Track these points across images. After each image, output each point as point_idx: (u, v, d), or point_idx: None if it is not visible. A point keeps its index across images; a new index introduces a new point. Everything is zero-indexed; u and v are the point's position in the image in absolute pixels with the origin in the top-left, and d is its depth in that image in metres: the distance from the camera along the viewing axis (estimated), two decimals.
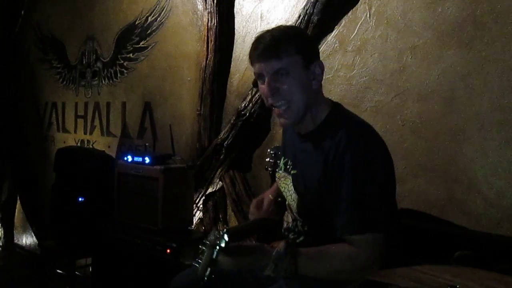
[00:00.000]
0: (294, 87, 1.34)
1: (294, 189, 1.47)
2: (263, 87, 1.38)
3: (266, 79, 1.36)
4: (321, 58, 2.22)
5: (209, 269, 1.19)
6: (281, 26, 1.41)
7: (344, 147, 1.29)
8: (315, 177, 1.36)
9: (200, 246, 1.24)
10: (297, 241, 1.46)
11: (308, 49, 1.40)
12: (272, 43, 1.33)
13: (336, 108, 1.45)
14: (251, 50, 1.39)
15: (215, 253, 1.20)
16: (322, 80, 1.42)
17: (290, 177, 1.50)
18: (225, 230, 1.23)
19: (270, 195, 1.68)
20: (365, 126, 1.41)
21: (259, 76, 1.39)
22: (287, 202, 1.53)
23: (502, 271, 1.32)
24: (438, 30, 1.91)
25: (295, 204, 1.46)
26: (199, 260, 1.22)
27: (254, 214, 1.66)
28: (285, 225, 1.55)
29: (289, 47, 1.33)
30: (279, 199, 1.63)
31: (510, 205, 1.74)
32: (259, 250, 1.30)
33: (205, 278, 1.20)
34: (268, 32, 1.38)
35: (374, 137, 1.38)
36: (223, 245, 1.20)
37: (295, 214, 1.48)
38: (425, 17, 1.95)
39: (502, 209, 1.75)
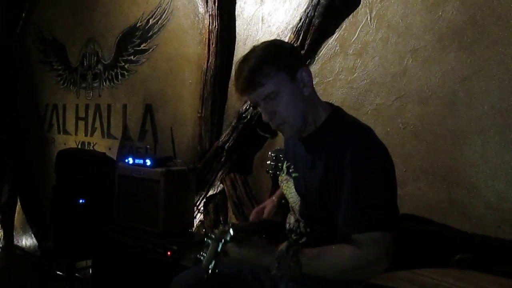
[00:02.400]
0: (288, 105, 1.35)
1: (296, 191, 1.48)
2: (260, 110, 1.40)
3: (261, 106, 1.38)
4: (322, 61, 2.28)
5: (213, 262, 1.20)
6: (256, 48, 1.38)
7: (344, 148, 1.30)
8: (316, 179, 1.37)
9: (205, 239, 1.25)
10: (300, 242, 1.46)
11: (288, 62, 1.37)
12: (250, 75, 1.33)
13: (335, 111, 1.46)
14: (234, 83, 1.40)
15: (220, 246, 1.21)
16: (312, 84, 1.41)
17: (292, 180, 1.51)
18: (230, 225, 1.25)
19: (274, 198, 1.70)
20: (364, 127, 1.41)
21: (253, 104, 1.42)
22: (290, 204, 1.54)
23: (503, 274, 1.32)
24: (439, 34, 1.92)
25: (298, 206, 1.47)
26: (203, 253, 1.23)
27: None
28: (287, 226, 1.56)
29: (268, 70, 1.33)
30: (283, 201, 1.64)
31: (510, 208, 1.74)
32: (264, 247, 1.31)
33: (209, 271, 1.20)
34: (245, 61, 1.36)
35: (374, 138, 1.38)
36: (228, 239, 1.21)
37: (297, 215, 1.49)
38: (426, 21, 1.95)
39: (502, 212, 1.75)
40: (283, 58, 1.36)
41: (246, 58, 1.37)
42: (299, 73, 1.36)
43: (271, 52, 1.37)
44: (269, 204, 1.71)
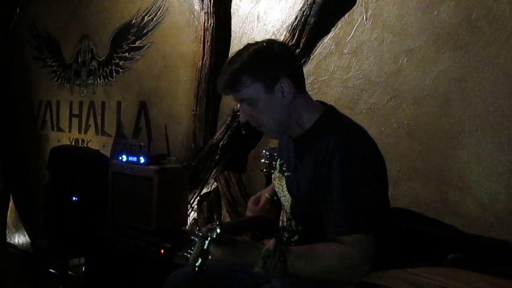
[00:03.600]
0: (262, 112, 1.39)
1: (288, 190, 1.49)
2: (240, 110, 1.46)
3: (240, 106, 1.44)
4: (317, 60, 2.28)
5: (200, 260, 1.20)
6: (245, 51, 1.40)
7: (333, 150, 1.30)
8: (307, 180, 1.38)
9: (192, 237, 1.26)
10: (292, 239, 1.47)
11: (269, 73, 1.38)
12: (228, 77, 1.38)
13: (327, 111, 1.46)
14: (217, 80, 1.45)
15: (206, 244, 1.21)
16: (293, 93, 1.39)
17: (284, 179, 1.51)
18: (217, 222, 1.25)
19: (266, 194, 1.69)
20: (355, 128, 1.41)
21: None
22: (281, 203, 1.54)
23: (494, 274, 1.33)
24: (434, 34, 1.92)
25: (289, 205, 1.48)
26: (190, 251, 1.23)
27: (251, 210, 1.68)
28: (280, 224, 1.56)
29: (245, 79, 1.36)
30: (275, 198, 1.64)
31: (503, 208, 1.75)
32: (249, 245, 1.31)
33: (196, 269, 1.20)
34: (230, 64, 1.40)
35: (364, 139, 1.39)
36: (214, 236, 1.21)
37: (289, 214, 1.49)
38: (421, 21, 1.96)
39: (495, 212, 1.76)
40: (263, 69, 1.38)
41: (233, 60, 1.40)
42: (278, 84, 1.37)
43: (253, 61, 1.38)
44: (264, 194, 1.72)
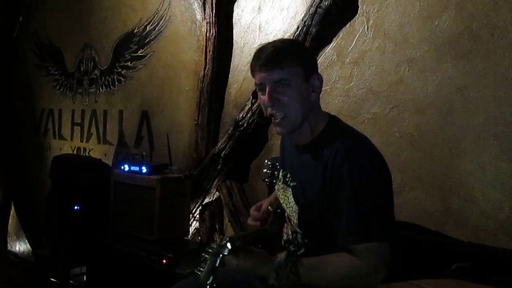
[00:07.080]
0: (294, 98, 1.37)
1: (295, 200, 1.48)
2: (263, 97, 1.40)
3: (267, 89, 1.37)
4: (319, 70, 2.26)
5: (211, 277, 1.20)
6: (281, 39, 1.44)
7: (342, 158, 1.30)
8: (315, 188, 1.37)
9: (203, 254, 1.25)
10: (298, 253, 1.46)
11: (309, 61, 1.43)
12: (275, 53, 1.36)
13: (333, 120, 1.47)
14: (253, 60, 1.41)
15: (218, 261, 1.21)
16: (320, 93, 1.44)
17: (290, 189, 1.50)
18: (228, 238, 1.25)
19: (269, 207, 1.68)
20: (362, 137, 1.42)
21: (260, 86, 1.41)
22: (286, 214, 1.53)
23: (499, 283, 1.32)
24: (435, 43, 1.93)
25: (296, 216, 1.47)
26: (201, 268, 1.23)
27: (253, 216, 1.68)
28: (285, 237, 1.55)
29: (291, 58, 1.36)
30: (278, 210, 1.63)
31: (507, 217, 1.74)
32: (262, 256, 1.31)
33: (207, 286, 1.20)
34: (270, 43, 1.41)
35: (371, 148, 1.39)
36: (226, 253, 1.22)
37: (295, 226, 1.48)
38: (422, 30, 1.96)
39: (498, 221, 1.76)
40: (306, 56, 1.44)
41: (271, 42, 1.42)
42: (313, 77, 1.41)
43: (297, 46, 1.48)
44: (265, 202, 1.71)
